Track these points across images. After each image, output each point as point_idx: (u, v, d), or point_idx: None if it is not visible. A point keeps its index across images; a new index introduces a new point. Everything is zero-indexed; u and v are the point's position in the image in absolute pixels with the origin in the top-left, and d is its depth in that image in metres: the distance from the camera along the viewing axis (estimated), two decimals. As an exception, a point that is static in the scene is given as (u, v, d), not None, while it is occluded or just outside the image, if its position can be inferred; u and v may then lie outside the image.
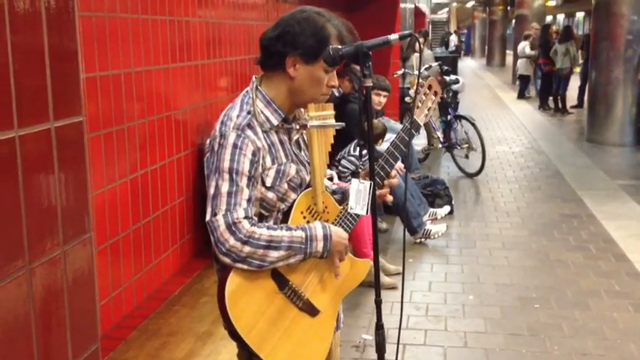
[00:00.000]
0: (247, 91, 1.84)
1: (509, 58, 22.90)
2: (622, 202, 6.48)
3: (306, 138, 1.90)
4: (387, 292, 4.12)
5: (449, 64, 11.65)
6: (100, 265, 2.73)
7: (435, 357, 3.50)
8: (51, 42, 1.39)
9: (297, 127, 1.87)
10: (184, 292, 3.23)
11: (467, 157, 7.74)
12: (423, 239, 5.27)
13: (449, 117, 7.91)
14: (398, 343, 2.08)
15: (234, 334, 1.76)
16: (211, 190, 1.73)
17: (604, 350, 3.53)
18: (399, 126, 6.50)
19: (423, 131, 8.53)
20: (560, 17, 39.68)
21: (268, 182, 1.77)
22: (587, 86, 11.33)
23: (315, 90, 1.81)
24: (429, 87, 2.03)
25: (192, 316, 2.95)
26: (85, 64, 2.57)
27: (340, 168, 4.97)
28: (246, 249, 1.69)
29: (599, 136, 9.76)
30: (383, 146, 4.90)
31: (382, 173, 1.91)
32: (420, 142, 8.83)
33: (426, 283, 4.48)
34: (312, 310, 1.85)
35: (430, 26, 27.21)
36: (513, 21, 24.05)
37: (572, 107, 13.53)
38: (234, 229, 1.68)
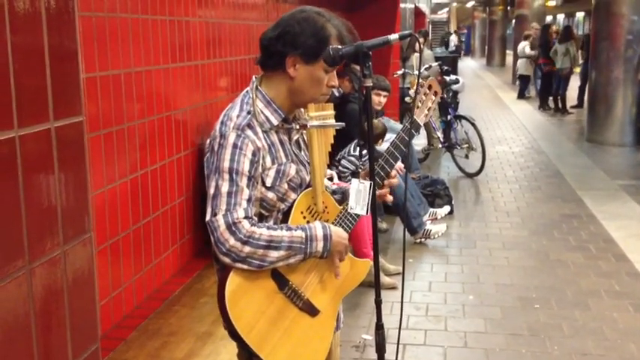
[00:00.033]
0: (247, 91, 1.84)
1: (510, 58, 22.91)
2: (622, 202, 6.48)
3: (306, 138, 1.90)
4: (387, 292, 4.12)
5: (449, 64, 11.65)
6: (100, 265, 2.73)
7: (435, 357, 3.50)
8: (51, 42, 1.39)
9: (297, 127, 1.87)
10: (184, 292, 3.23)
11: (467, 157, 7.74)
12: (423, 239, 5.27)
13: (449, 117, 7.91)
14: (398, 343, 2.08)
15: (234, 334, 1.76)
16: (211, 190, 1.73)
17: (604, 350, 3.53)
18: (399, 126, 6.51)
19: (423, 131, 8.53)
20: (560, 17, 39.68)
21: (268, 182, 1.77)
22: (587, 86, 11.33)
23: (315, 90, 1.81)
24: (429, 87, 2.03)
25: (192, 316, 2.95)
26: (85, 64, 2.57)
27: (340, 168, 4.97)
28: (246, 249, 1.69)
29: (599, 136, 9.76)
30: (383, 146, 4.90)
31: (382, 173, 1.91)
32: (420, 142, 8.83)
33: (426, 283, 4.48)
34: (312, 310, 1.85)
35: (430, 26, 27.23)
36: (513, 21, 24.05)
37: (572, 107, 13.53)
38: (234, 229, 1.68)
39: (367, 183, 1.81)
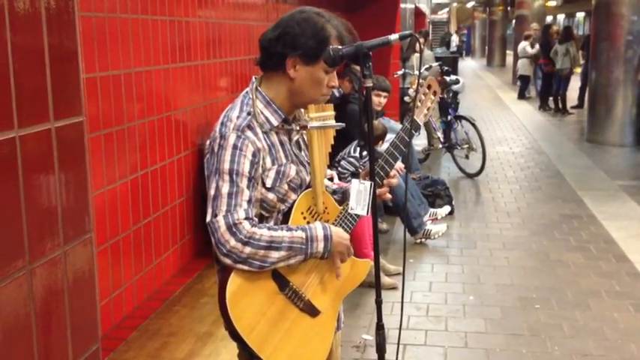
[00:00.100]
0: (247, 92, 1.84)
1: (510, 59, 22.91)
2: (622, 203, 6.48)
3: (306, 138, 1.90)
4: (388, 293, 4.12)
5: (449, 64, 11.64)
6: (101, 266, 2.73)
7: (435, 357, 3.50)
8: (51, 42, 1.39)
9: (298, 128, 1.87)
10: (185, 292, 3.23)
11: (467, 157, 7.74)
12: (423, 239, 5.26)
13: (449, 117, 7.91)
14: (398, 344, 2.08)
15: (235, 335, 1.76)
16: (212, 192, 1.73)
17: (604, 350, 3.53)
18: (399, 126, 6.50)
19: (423, 131, 8.54)
20: (561, 17, 39.68)
21: (268, 183, 1.77)
22: (587, 87, 11.33)
23: (315, 91, 1.81)
24: (429, 86, 2.03)
25: (192, 317, 2.94)
26: (85, 64, 2.57)
27: (339, 169, 4.97)
28: (247, 250, 1.69)
29: (600, 136, 9.76)
30: (383, 147, 4.89)
31: (382, 173, 1.91)
32: (420, 142, 8.83)
33: (426, 284, 4.48)
34: (312, 311, 1.85)
35: (430, 26, 27.23)
36: (513, 21, 24.06)
37: (573, 107, 13.53)
38: (234, 230, 1.68)
39: (367, 183, 1.80)
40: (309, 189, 1.86)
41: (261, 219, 1.80)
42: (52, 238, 1.40)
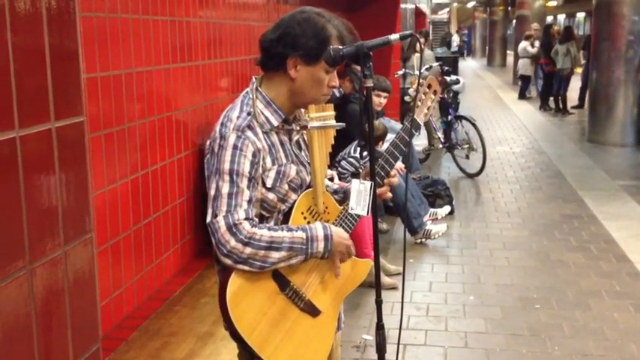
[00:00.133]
0: (247, 92, 1.84)
1: (510, 59, 22.90)
2: (623, 203, 6.48)
3: (306, 138, 1.90)
4: (388, 293, 4.12)
5: (450, 64, 11.64)
6: (101, 266, 2.73)
7: (435, 357, 3.50)
8: (52, 42, 1.39)
9: (298, 128, 1.87)
10: (185, 292, 3.23)
11: (467, 157, 7.74)
12: (423, 239, 5.27)
13: (449, 117, 7.91)
14: (398, 344, 2.08)
15: (235, 335, 1.76)
16: (212, 192, 1.73)
17: (605, 350, 3.53)
18: (399, 126, 6.50)
19: (423, 131, 8.54)
20: (561, 18, 39.67)
21: (269, 183, 1.77)
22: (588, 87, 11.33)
23: (316, 91, 1.81)
24: (429, 86, 2.03)
25: (192, 317, 2.95)
26: (86, 64, 2.57)
27: (340, 169, 4.97)
28: (248, 250, 1.69)
29: (600, 136, 9.76)
30: (383, 147, 4.89)
31: (382, 173, 1.91)
32: (420, 142, 8.83)
33: (426, 284, 4.48)
34: (313, 311, 1.85)
35: (431, 27, 27.23)
36: (514, 21, 24.06)
37: (573, 107, 13.53)
38: (235, 230, 1.68)
39: (368, 183, 1.80)
40: (310, 189, 1.86)
41: (262, 219, 1.81)
42: (52, 238, 1.40)
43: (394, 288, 4.24)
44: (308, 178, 1.89)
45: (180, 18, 3.45)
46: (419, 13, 16.29)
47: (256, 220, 1.74)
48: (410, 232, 5.21)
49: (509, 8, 28.28)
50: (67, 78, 1.45)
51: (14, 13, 1.27)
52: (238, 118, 1.76)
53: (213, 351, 2.63)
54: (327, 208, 1.88)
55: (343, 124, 1.90)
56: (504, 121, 12.23)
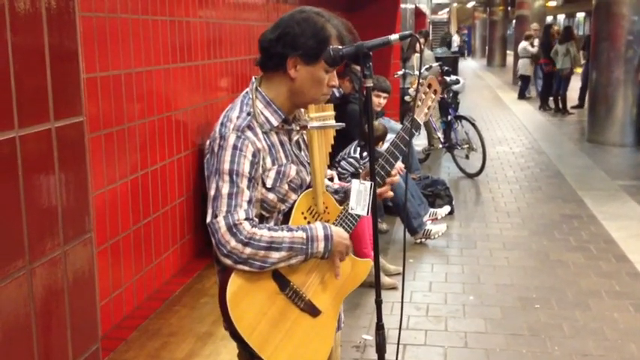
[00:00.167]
0: (247, 92, 1.84)
1: (510, 59, 22.92)
2: (622, 203, 6.48)
3: (306, 138, 1.90)
4: (388, 293, 4.12)
5: (449, 64, 11.64)
6: (101, 266, 2.73)
7: (435, 357, 3.50)
8: (51, 42, 1.39)
9: (298, 128, 1.87)
10: (185, 292, 3.23)
11: (467, 157, 7.74)
12: (423, 239, 5.27)
13: (449, 117, 7.92)
14: (398, 344, 2.08)
15: (235, 336, 1.76)
16: (212, 192, 1.73)
17: (604, 350, 3.53)
18: (399, 126, 6.50)
19: (423, 132, 8.54)
20: (561, 18, 39.68)
21: (269, 183, 1.77)
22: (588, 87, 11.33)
23: (316, 90, 1.81)
24: (429, 86, 2.03)
25: (192, 317, 2.94)
26: (86, 64, 2.57)
27: (339, 169, 4.97)
28: (248, 250, 1.68)
29: (600, 136, 9.76)
30: (384, 147, 4.89)
31: (382, 173, 1.91)
32: (420, 142, 8.83)
33: (426, 284, 4.48)
34: (313, 311, 1.85)
35: (430, 27, 27.23)
36: (514, 21, 24.07)
37: (573, 107, 13.53)
38: (235, 230, 1.68)
39: (368, 183, 1.80)
40: (310, 189, 1.86)
41: (262, 219, 1.80)
42: (52, 238, 1.40)
43: (394, 288, 4.24)
44: (308, 178, 1.88)
45: (180, 18, 3.45)
46: (419, 13, 16.28)
47: (256, 220, 1.74)
48: (410, 232, 5.21)
49: (509, 8, 28.29)
50: (67, 78, 1.45)
51: (14, 13, 1.27)
52: (238, 118, 1.76)
53: (213, 351, 2.63)
54: (327, 208, 1.88)
55: (343, 124, 1.90)
56: (504, 121, 12.23)
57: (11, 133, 1.27)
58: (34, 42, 1.35)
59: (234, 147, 1.71)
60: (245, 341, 1.73)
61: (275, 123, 1.80)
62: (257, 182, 1.75)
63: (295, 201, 1.83)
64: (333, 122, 1.89)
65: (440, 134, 8.11)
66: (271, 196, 1.79)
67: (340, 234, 1.83)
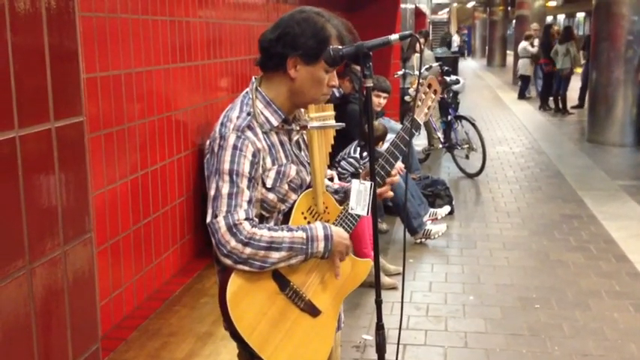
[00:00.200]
0: (247, 92, 1.84)
1: (510, 59, 22.91)
2: (622, 203, 6.48)
3: (306, 138, 1.90)
4: (388, 293, 4.12)
5: (450, 64, 11.64)
6: (101, 266, 2.73)
7: (435, 357, 3.50)
8: (51, 42, 1.39)
9: (298, 128, 1.87)
10: (185, 292, 3.23)
11: (467, 157, 7.74)
12: (423, 239, 5.27)
13: (449, 117, 7.92)
14: (398, 344, 2.08)
15: (235, 336, 1.76)
16: (212, 192, 1.73)
17: (604, 350, 3.53)
18: (399, 126, 6.50)
19: (423, 132, 8.54)
20: (561, 18, 39.68)
21: (269, 183, 1.77)
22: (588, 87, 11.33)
23: (316, 90, 1.81)
24: (429, 85, 2.03)
25: (192, 317, 2.95)
26: (86, 64, 2.57)
27: (339, 169, 4.97)
28: (248, 250, 1.68)
29: (600, 136, 9.76)
30: (384, 148, 4.89)
31: (382, 173, 1.91)
32: (420, 142, 8.83)
33: (426, 284, 4.48)
34: (313, 311, 1.85)
35: (430, 27, 27.23)
36: (514, 21, 24.07)
37: (573, 107, 13.54)
38: (235, 230, 1.68)
39: (368, 183, 1.80)
40: (310, 189, 1.86)
41: (262, 219, 1.80)
42: (52, 238, 1.40)
43: (394, 288, 4.25)
44: (308, 178, 1.88)
45: (179, 18, 3.45)
46: (419, 13, 16.28)
47: (256, 220, 1.74)
48: (410, 232, 5.21)
49: (509, 8, 28.29)
50: (67, 78, 1.45)
51: (14, 13, 1.27)
52: (238, 118, 1.76)
53: (213, 351, 2.63)
54: (327, 208, 1.88)
55: (343, 124, 1.90)
56: (504, 121, 12.23)
57: (11, 133, 1.27)
58: (34, 42, 1.35)
59: (234, 147, 1.71)
60: (245, 341, 1.73)
61: (275, 123, 1.80)
62: (257, 182, 1.75)
63: (295, 201, 1.83)
64: (333, 122, 1.89)
65: (440, 134, 8.12)
66: (271, 196, 1.79)
67: (340, 234, 1.83)
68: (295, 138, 1.89)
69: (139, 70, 3.02)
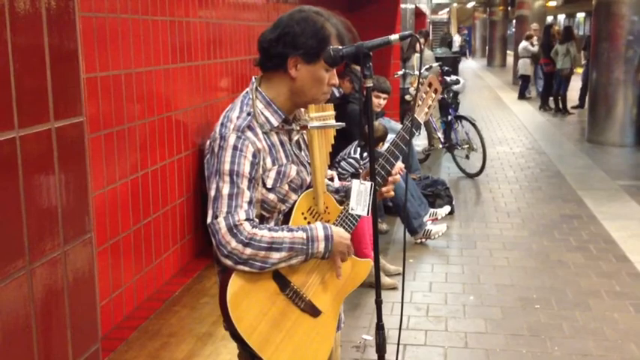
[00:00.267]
0: (247, 92, 1.83)
1: (510, 59, 22.93)
2: (623, 203, 6.48)
3: (306, 138, 1.90)
4: (388, 293, 4.12)
5: (450, 64, 11.64)
6: (101, 266, 2.73)
7: (435, 357, 3.50)
8: (51, 42, 1.39)
9: (298, 128, 1.87)
10: (185, 292, 3.23)
11: (467, 157, 7.74)
12: (423, 240, 5.27)
13: (449, 117, 7.92)
14: (398, 344, 2.08)
15: (235, 336, 1.76)
16: (212, 193, 1.72)
17: (605, 351, 3.53)
18: (399, 126, 6.50)
19: (423, 132, 8.54)
20: (561, 18, 39.68)
21: (269, 183, 1.77)
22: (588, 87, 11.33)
23: (316, 89, 1.81)
24: (429, 84, 2.03)
25: (192, 317, 2.95)
26: (86, 64, 2.57)
27: (339, 170, 4.97)
28: (248, 251, 1.68)
29: (600, 136, 9.76)
30: (384, 148, 4.89)
31: (383, 172, 1.90)
32: (420, 142, 8.83)
33: (426, 284, 4.48)
34: (314, 311, 1.84)
35: (431, 27, 27.23)
36: (514, 21, 24.07)
37: (573, 108, 13.54)
38: (235, 231, 1.68)
39: (368, 184, 1.80)
40: (310, 189, 1.86)
41: (262, 219, 1.80)
42: (52, 238, 1.40)
43: (394, 288, 4.24)
44: (308, 179, 1.88)
45: (179, 18, 3.45)
46: (419, 13, 16.27)
47: (257, 220, 1.74)
48: (410, 232, 5.21)
49: (509, 8, 28.29)
50: (67, 78, 1.45)
51: (14, 13, 1.27)
52: (238, 118, 1.76)
53: (213, 351, 2.63)
54: (327, 208, 1.88)
55: (343, 124, 1.90)
56: (504, 122, 12.23)
57: (11, 133, 1.27)
58: (34, 42, 1.35)
59: (235, 147, 1.71)
60: (245, 342, 1.73)
61: (275, 123, 1.80)
62: (257, 183, 1.75)
63: (295, 201, 1.83)
64: (333, 122, 1.88)
65: (440, 134, 8.12)
66: (271, 196, 1.78)
67: (341, 234, 1.82)
68: (295, 138, 1.89)
69: (139, 71, 3.02)
